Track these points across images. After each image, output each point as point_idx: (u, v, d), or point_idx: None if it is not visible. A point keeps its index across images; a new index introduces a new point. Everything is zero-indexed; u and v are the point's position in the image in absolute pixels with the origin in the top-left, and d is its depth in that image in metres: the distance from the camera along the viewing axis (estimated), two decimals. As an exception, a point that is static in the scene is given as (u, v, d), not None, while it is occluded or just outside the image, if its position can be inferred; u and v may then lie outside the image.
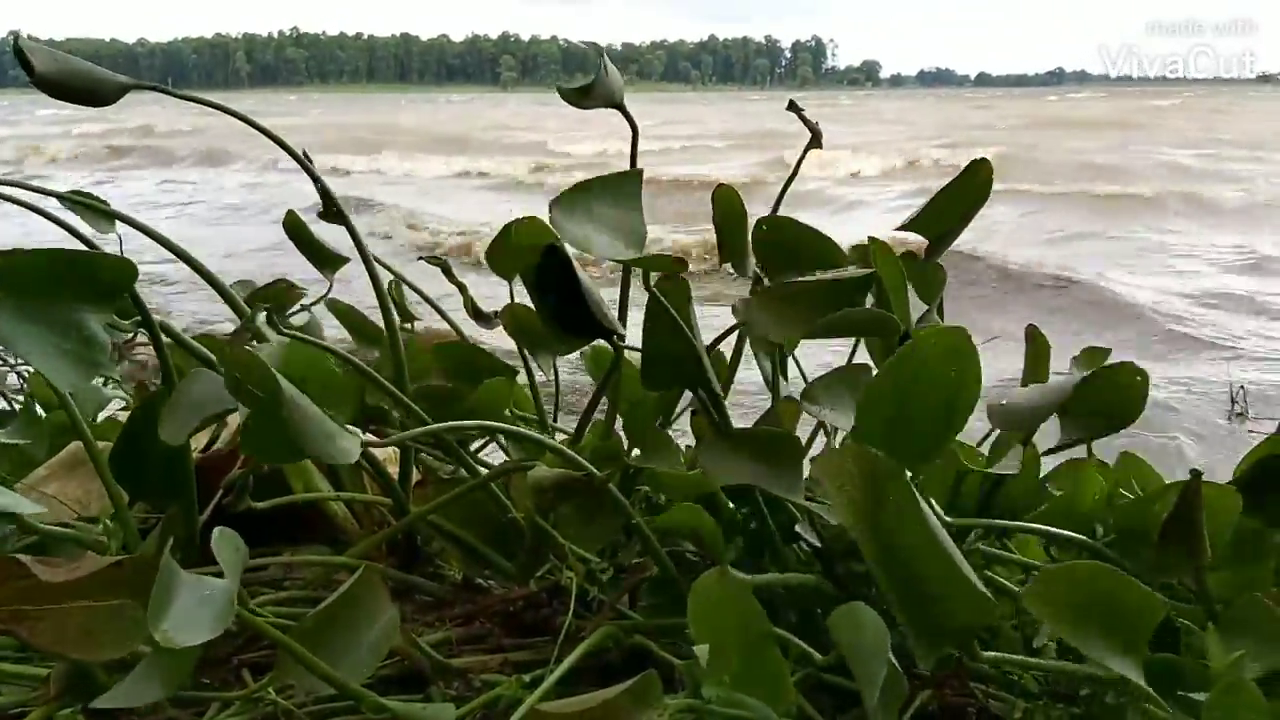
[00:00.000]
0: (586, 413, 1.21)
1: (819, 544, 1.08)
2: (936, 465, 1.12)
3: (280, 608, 1.18)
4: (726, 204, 1.14)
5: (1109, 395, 1.05)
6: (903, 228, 1.21)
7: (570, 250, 0.97)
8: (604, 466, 1.12)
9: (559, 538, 1.17)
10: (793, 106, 1.30)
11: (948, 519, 1.03)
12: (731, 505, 1.20)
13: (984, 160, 1.18)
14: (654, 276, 1.06)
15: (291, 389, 0.82)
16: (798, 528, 1.12)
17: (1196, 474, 0.90)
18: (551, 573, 1.22)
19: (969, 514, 1.14)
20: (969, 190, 1.18)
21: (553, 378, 1.48)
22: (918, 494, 0.79)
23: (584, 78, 1.15)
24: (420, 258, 1.56)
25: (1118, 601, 0.78)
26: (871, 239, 1.05)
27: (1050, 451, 1.10)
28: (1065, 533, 1.07)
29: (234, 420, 1.51)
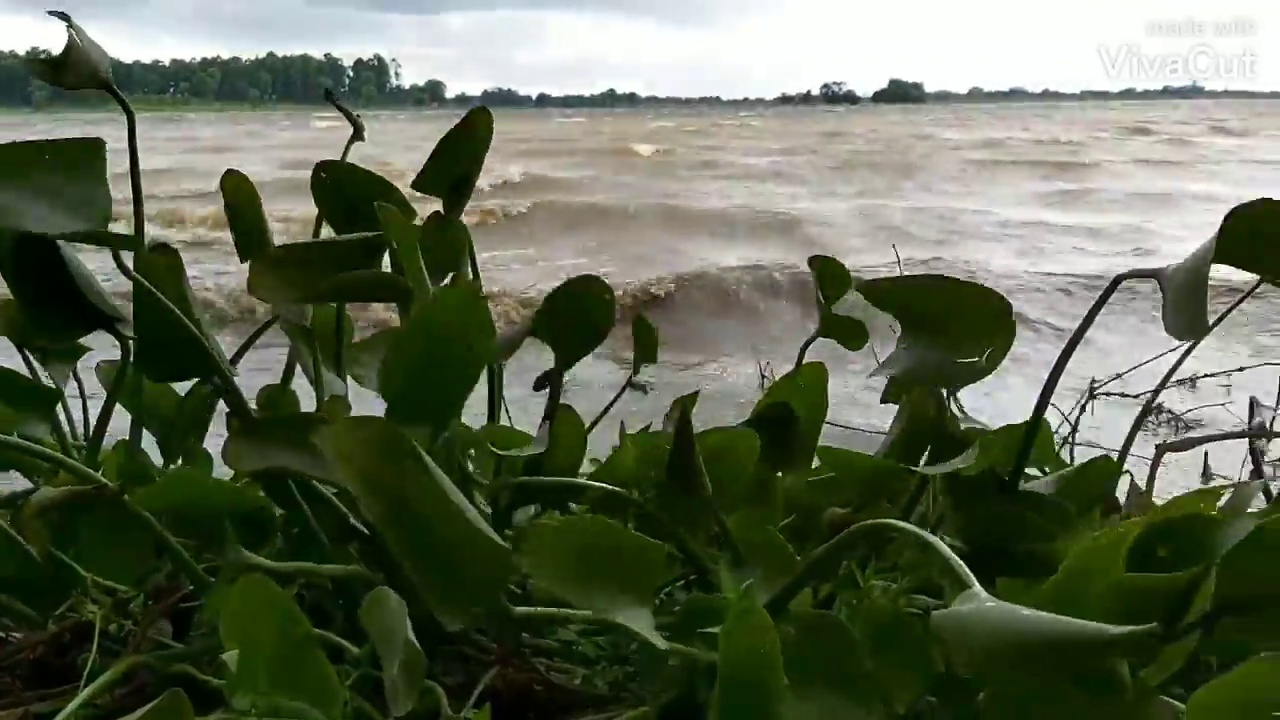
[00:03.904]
0: (99, 425, 1.10)
1: (368, 532, 1.04)
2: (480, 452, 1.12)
3: None
4: (237, 191, 1.07)
5: (578, 311, 1.09)
6: (415, 187, 1.20)
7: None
8: (129, 485, 1.02)
9: (79, 569, 1.05)
10: (329, 95, 1.29)
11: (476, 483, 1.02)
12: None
13: (483, 109, 1.20)
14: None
15: None
16: (352, 520, 1.08)
17: (684, 415, 0.95)
18: (76, 609, 1.09)
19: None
20: (469, 141, 1.19)
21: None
22: (426, 456, 0.77)
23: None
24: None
25: (616, 552, 0.78)
26: (379, 204, 1.03)
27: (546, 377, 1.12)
28: (585, 482, 1.09)
29: None
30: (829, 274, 1.34)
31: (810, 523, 1.22)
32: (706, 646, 0.91)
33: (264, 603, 0.87)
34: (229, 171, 1.08)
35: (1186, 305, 0.89)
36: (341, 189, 1.06)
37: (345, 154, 1.23)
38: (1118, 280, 0.94)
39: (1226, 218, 0.87)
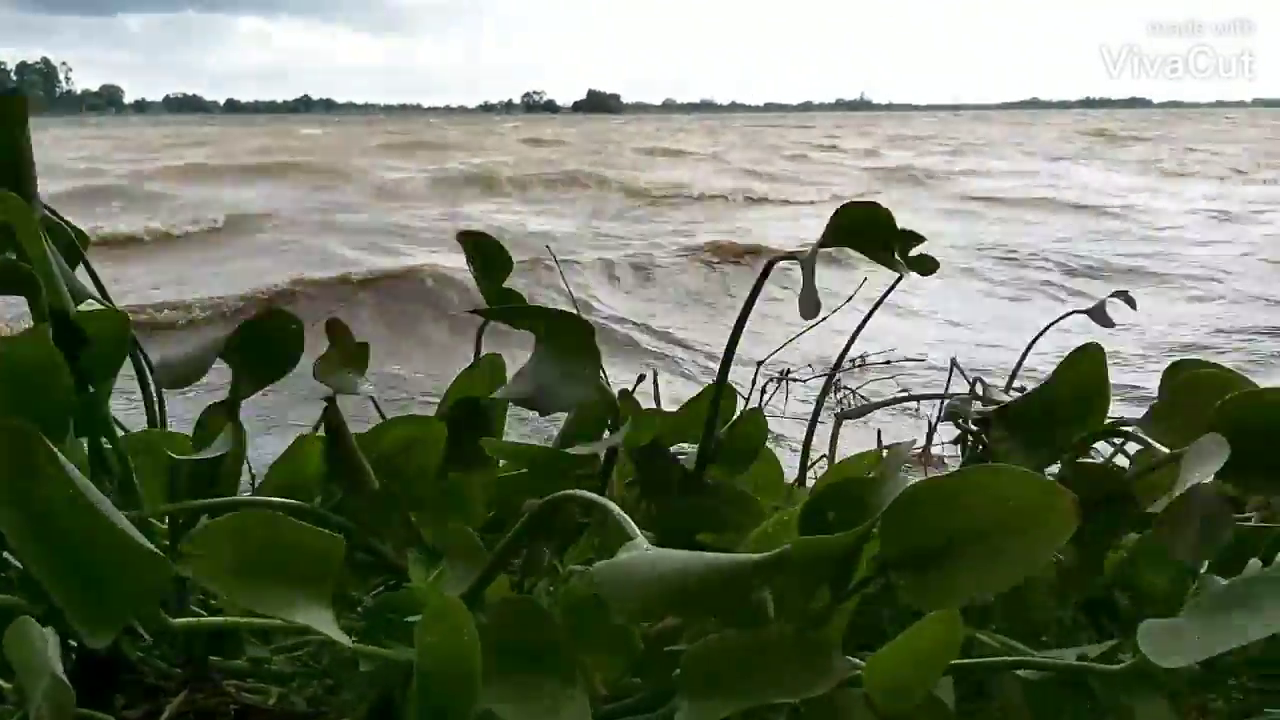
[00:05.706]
0: None
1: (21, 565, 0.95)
2: (148, 461, 1.05)
3: None
4: None
5: (264, 344, 1.05)
6: None
7: None
8: None
9: None
10: None
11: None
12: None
13: (18, 94, 1.14)
14: None
15: None
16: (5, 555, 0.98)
17: (330, 400, 0.93)
18: None
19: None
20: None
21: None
22: (64, 460, 0.71)
23: None
24: None
25: (289, 550, 0.74)
26: (3, 193, 0.95)
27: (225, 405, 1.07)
28: (258, 499, 1.05)
29: None
30: (484, 251, 1.24)
31: (512, 520, 1.23)
32: (404, 645, 0.89)
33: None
34: None
35: (806, 289, 0.99)
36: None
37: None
38: (771, 263, 1.02)
39: (835, 213, 1.02)
